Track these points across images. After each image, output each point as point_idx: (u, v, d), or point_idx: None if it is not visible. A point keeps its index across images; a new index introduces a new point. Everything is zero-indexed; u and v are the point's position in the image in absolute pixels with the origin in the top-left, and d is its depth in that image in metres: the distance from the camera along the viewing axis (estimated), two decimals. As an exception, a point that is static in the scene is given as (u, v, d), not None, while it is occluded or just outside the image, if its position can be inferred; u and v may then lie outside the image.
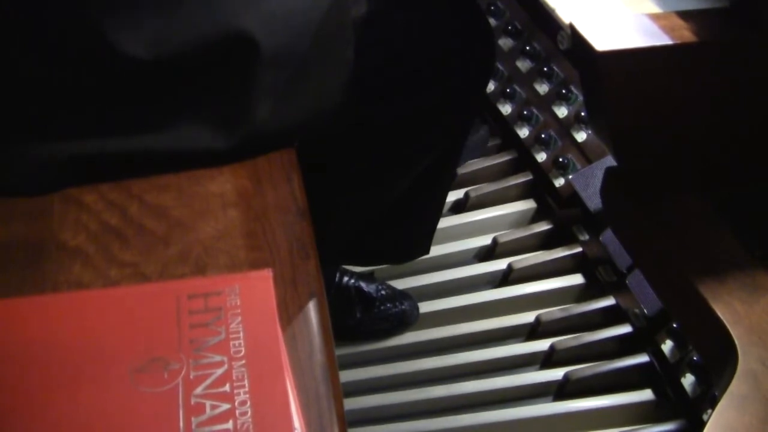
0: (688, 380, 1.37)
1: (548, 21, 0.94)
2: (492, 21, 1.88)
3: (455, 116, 1.23)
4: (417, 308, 1.58)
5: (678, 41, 0.87)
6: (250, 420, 0.70)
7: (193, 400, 0.71)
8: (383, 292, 1.57)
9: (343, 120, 1.05)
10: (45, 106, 0.92)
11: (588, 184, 1.61)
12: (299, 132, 1.01)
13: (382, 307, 1.55)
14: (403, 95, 1.14)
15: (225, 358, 0.75)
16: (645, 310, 1.47)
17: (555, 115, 1.74)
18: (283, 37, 0.96)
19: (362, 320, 1.54)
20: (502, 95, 1.83)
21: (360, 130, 1.11)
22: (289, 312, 0.82)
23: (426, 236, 1.43)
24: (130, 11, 0.89)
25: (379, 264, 1.60)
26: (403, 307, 1.57)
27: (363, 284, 1.57)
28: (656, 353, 1.45)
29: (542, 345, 1.54)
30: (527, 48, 1.82)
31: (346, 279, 1.56)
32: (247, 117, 0.95)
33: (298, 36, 0.97)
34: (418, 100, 1.15)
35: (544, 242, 1.70)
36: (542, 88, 1.77)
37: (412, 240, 1.42)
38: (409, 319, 1.57)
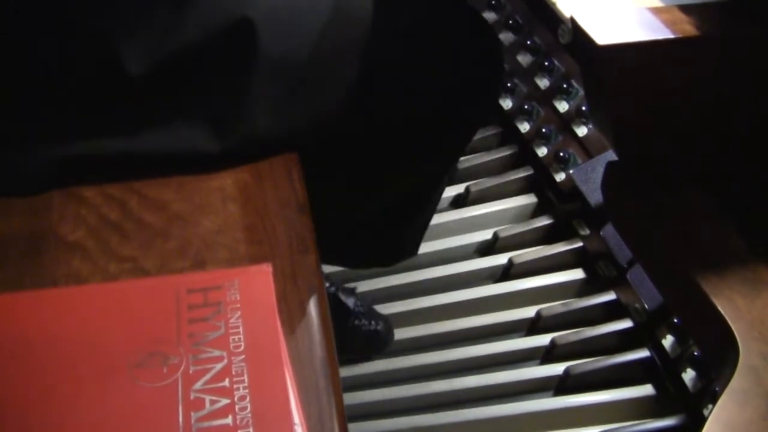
0: (688, 375, 1.37)
1: (549, 15, 0.94)
2: (493, 15, 1.88)
3: (457, 122, 1.22)
4: (392, 333, 1.53)
5: (680, 35, 0.87)
6: (249, 415, 0.70)
7: (192, 395, 0.71)
8: (360, 309, 1.53)
9: (343, 126, 1.04)
10: (42, 107, 0.91)
11: (589, 178, 1.60)
12: (297, 138, 1.00)
13: (356, 322, 1.51)
14: (404, 98, 1.13)
15: (224, 353, 0.74)
16: (646, 305, 1.47)
17: (556, 110, 1.73)
18: (284, 40, 0.95)
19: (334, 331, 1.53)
20: (502, 89, 1.83)
21: (359, 132, 1.10)
22: (288, 306, 0.82)
23: (417, 237, 1.38)
24: (131, 14, 0.89)
25: (365, 266, 1.55)
26: (378, 327, 1.52)
27: (342, 296, 1.53)
28: (657, 348, 1.45)
29: (543, 340, 1.54)
30: (528, 42, 1.81)
31: (326, 285, 1.54)
32: (243, 121, 0.95)
33: (299, 43, 0.97)
34: (418, 104, 1.14)
35: (545, 237, 1.70)
36: (543, 83, 1.77)
37: (403, 242, 1.37)
38: (380, 343, 1.52)
